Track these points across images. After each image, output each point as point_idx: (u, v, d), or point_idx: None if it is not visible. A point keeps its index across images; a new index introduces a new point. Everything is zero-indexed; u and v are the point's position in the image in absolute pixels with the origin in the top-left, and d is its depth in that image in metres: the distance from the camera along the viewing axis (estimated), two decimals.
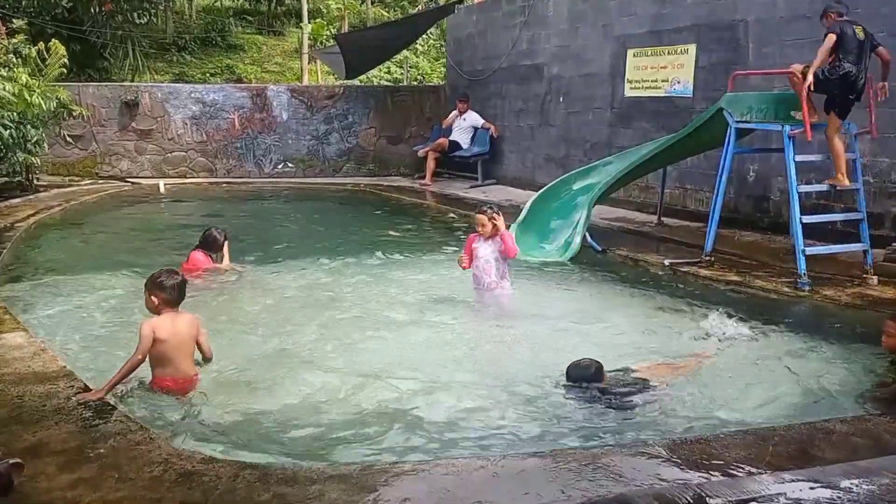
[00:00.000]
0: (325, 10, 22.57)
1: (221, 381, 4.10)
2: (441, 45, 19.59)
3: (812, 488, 2.37)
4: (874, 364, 4.34)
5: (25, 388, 3.43)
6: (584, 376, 3.83)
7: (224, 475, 2.66)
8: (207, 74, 18.87)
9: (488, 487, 2.59)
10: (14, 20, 9.64)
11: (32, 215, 8.57)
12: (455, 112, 12.27)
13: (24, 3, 12.82)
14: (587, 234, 6.92)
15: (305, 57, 18.72)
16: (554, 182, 7.83)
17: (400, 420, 3.61)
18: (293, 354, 4.56)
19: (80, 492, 2.53)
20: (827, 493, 2.35)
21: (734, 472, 2.63)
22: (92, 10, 14.17)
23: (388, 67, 18.35)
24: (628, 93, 9.24)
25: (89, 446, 2.87)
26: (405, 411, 3.72)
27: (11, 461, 2.55)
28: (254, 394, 3.95)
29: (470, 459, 2.93)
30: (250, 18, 22.27)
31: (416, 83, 18.63)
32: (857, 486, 2.38)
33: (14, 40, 9.19)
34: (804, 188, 5.97)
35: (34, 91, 9.14)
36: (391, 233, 8.83)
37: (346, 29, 22.59)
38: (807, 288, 5.50)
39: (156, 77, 17.03)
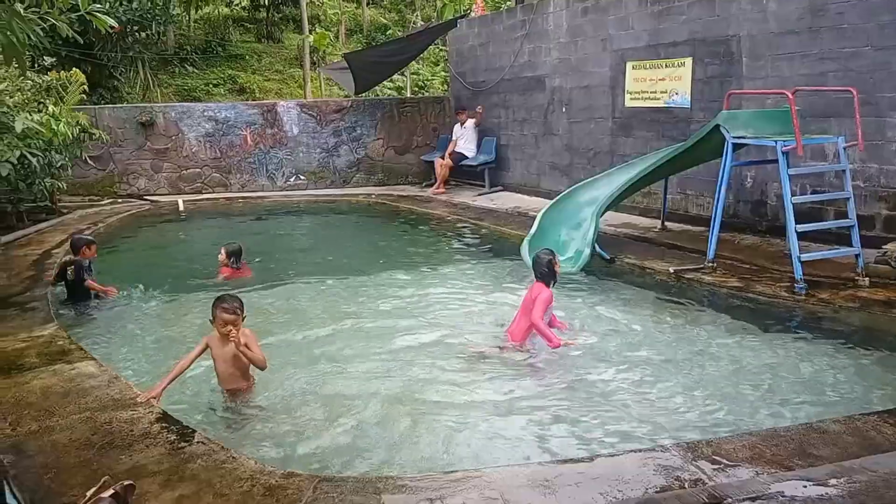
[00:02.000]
0: (322, 17, 22.94)
1: (271, 397, 4.51)
2: (440, 51, 20.02)
3: (805, 487, 2.82)
4: (867, 364, 4.79)
5: (111, 415, 3.85)
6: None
7: (304, 488, 3.09)
8: (210, 85, 19.26)
9: (530, 492, 3.01)
10: (46, 58, 10.05)
11: (65, 241, 8.94)
12: (457, 126, 12.72)
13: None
14: (595, 244, 7.33)
15: (307, 65, 19.09)
16: (561, 195, 8.23)
17: (440, 432, 4.05)
18: (334, 369, 4.96)
19: None
20: (819, 490, 2.80)
21: (741, 472, 3.08)
22: (102, 31, 14.55)
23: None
24: (628, 103, 9.66)
25: (182, 466, 3.29)
26: (443, 424, 4.14)
27: (125, 483, 2.98)
28: (302, 411, 4.32)
29: (511, 467, 3.37)
30: (249, 26, 22.61)
31: (417, 89, 19.08)
32: (842, 483, 2.83)
33: (47, 77, 9.60)
34: (798, 199, 6.39)
35: (60, 120, 9.57)
36: (409, 245, 9.26)
37: (343, 33, 23.03)
38: (803, 292, 5.92)
39: (162, 91, 17.44)
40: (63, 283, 6.69)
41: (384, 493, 3.04)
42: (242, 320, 4.39)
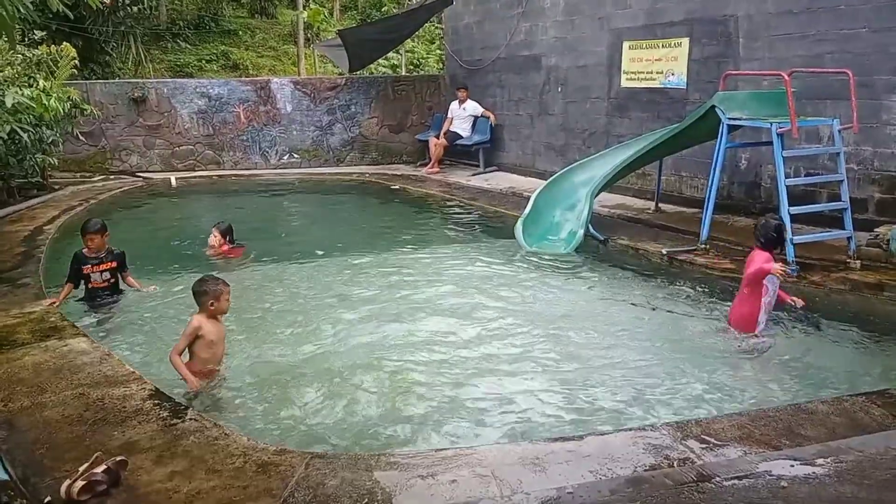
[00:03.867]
0: None
1: (264, 374, 4.51)
2: (435, 29, 19.85)
3: (792, 466, 2.86)
4: (856, 346, 4.83)
5: (103, 392, 3.85)
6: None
7: (296, 464, 3.10)
8: (203, 61, 19.03)
9: (521, 469, 3.04)
10: (36, 32, 9.90)
11: (56, 217, 8.90)
12: (455, 103, 12.62)
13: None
14: (589, 225, 7.34)
15: (301, 42, 18.89)
16: (555, 176, 8.22)
17: (432, 410, 4.07)
18: (327, 347, 4.98)
19: (177, 483, 2.97)
20: (806, 469, 2.83)
21: (729, 451, 3.11)
22: (93, 6, 14.35)
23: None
24: (624, 84, 9.61)
25: (174, 443, 3.30)
26: (436, 402, 4.17)
27: (118, 458, 2.99)
28: (295, 388, 4.34)
29: (503, 445, 3.40)
30: (242, 0, 22.28)
31: (412, 67, 18.92)
32: (828, 463, 2.87)
33: (37, 51, 9.47)
34: (792, 181, 6.40)
35: (51, 95, 9.46)
36: (402, 225, 9.24)
37: (338, 9, 22.77)
38: (795, 274, 5.95)
39: (154, 66, 17.24)
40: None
41: (376, 470, 3.06)
42: None
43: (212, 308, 4.41)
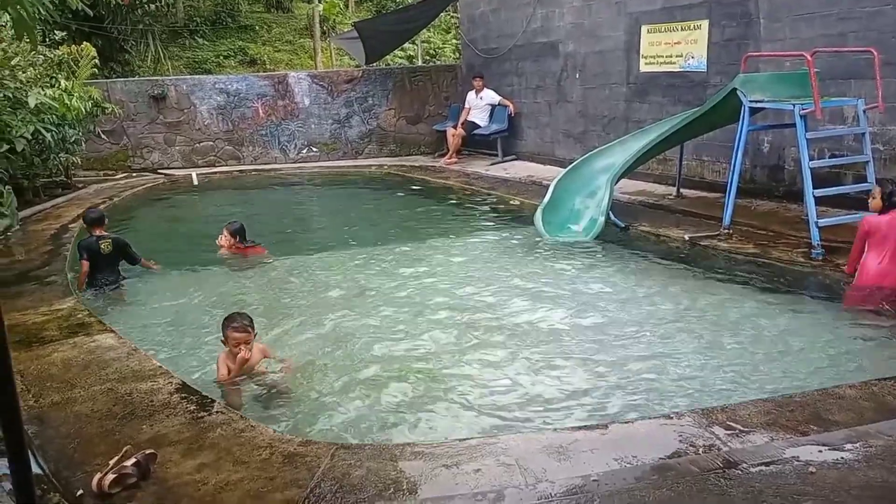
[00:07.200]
0: None
1: (296, 368, 4.57)
2: (451, 18, 19.75)
3: (820, 451, 2.82)
4: (884, 329, 4.76)
5: (131, 386, 3.91)
6: None
7: (322, 455, 3.13)
8: (221, 57, 19.11)
9: (545, 458, 3.04)
10: (56, 32, 10.03)
11: (81, 215, 9.01)
12: (471, 93, 12.57)
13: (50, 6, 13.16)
14: (610, 212, 7.28)
15: (317, 35, 18.90)
16: (575, 163, 8.16)
17: (457, 400, 4.08)
18: (352, 340, 4.99)
19: (206, 475, 3.01)
20: (835, 455, 2.80)
21: (756, 437, 3.08)
22: (111, 5, 14.52)
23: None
24: (643, 68, 9.50)
25: (202, 436, 3.34)
26: (459, 393, 4.18)
27: (147, 451, 3.04)
28: (319, 380, 4.38)
29: (527, 434, 3.40)
30: None
31: (428, 58, 18.87)
32: (857, 448, 2.83)
33: (58, 52, 9.58)
34: (815, 163, 6.30)
35: (73, 94, 9.58)
36: (422, 216, 9.25)
37: (353, 2, 22.74)
38: (820, 257, 5.87)
39: (172, 63, 17.37)
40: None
41: (401, 460, 3.07)
42: (254, 336, 4.35)
43: (224, 345, 4.34)
